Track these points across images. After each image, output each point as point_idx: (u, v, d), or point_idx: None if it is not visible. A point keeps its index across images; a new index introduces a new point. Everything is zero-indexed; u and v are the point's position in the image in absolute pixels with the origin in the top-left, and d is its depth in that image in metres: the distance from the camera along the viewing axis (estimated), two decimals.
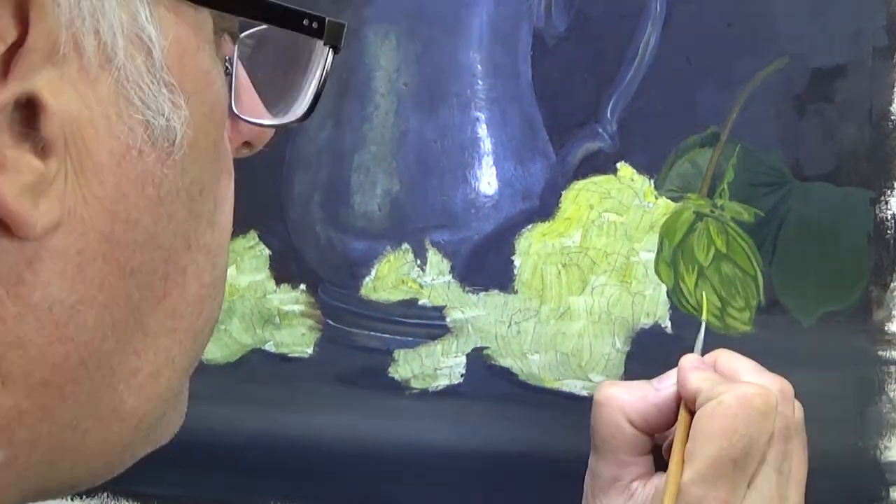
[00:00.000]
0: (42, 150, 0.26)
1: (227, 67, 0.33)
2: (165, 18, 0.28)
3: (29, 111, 0.25)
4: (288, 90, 0.36)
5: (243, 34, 0.34)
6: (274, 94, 0.36)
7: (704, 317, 0.54)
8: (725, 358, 0.49)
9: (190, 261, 0.31)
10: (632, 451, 0.47)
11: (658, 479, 0.47)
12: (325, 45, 0.35)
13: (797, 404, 0.47)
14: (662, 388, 0.48)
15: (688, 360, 0.48)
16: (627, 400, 0.48)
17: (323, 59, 0.35)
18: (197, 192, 0.31)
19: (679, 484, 0.44)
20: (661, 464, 0.48)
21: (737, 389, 0.44)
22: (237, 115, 0.34)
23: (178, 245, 0.31)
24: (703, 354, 0.50)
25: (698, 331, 0.52)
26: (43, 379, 0.27)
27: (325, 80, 0.35)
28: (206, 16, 0.30)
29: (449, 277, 0.59)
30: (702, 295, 0.55)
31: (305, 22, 0.33)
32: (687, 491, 0.43)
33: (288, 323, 0.61)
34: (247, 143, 0.37)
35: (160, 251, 0.30)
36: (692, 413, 0.46)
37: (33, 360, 0.27)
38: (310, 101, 0.36)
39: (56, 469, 0.30)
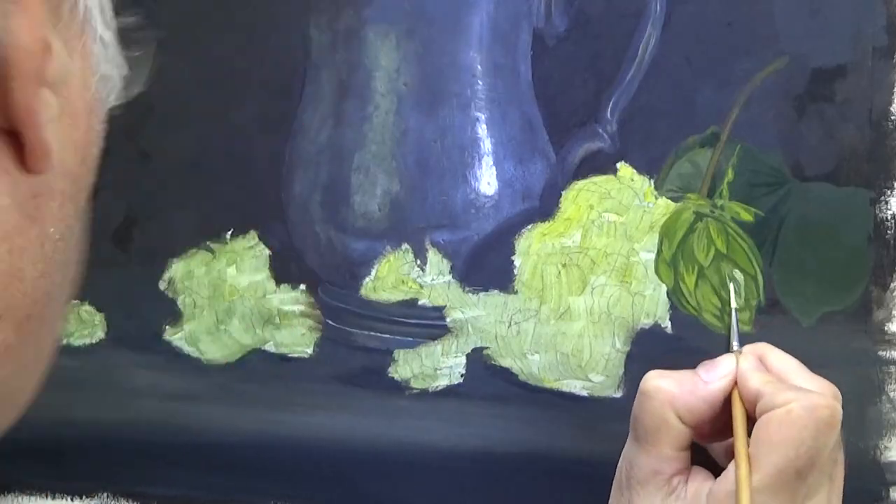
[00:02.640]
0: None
1: None
2: None
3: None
4: None
5: None
6: None
7: (734, 304, 0.53)
8: (774, 357, 0.48)
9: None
10: (675, 445, 0.47)
11: (700, 477, 0.46)
12: None
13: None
14: (712, 380, 0.47)
15: (747, 359, 0.47)
16: (676, 393, 0.47)
17: None
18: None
19: (750, 481, 0.43)
20: (696, 458, 0.48)
21: (805, 399, 0.43)
22: None
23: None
24: (740, 344, 0.49)
25: (731, 321, 0.51)
26: (27, 314, 0.29)
27: None
28: None
29: (449, 277, 0.59)
30: (728, 283, 0.55)
31: None
32: (751, 500, 0.43)
33: (288, 323, 0.61)
34: None
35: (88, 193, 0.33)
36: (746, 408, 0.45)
37: (26, 295, 0.28)
38: None
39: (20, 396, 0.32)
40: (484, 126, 0.58)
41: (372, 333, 0.60)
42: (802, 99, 0.55)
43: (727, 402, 0.47)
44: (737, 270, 0.56)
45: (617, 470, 0.49)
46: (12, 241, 0.27)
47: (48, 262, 0.29)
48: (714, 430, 0.47)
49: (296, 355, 0.61)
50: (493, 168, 0.58)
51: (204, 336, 0.62)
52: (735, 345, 0.50)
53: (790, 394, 0.44)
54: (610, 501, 0.49)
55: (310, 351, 0.61)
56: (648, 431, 0.47)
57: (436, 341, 0.59)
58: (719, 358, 0.48)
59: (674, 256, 0.56)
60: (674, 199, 0.56)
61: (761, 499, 0.43)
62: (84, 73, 0.30)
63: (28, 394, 0.32)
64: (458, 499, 0.59)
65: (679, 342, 0.57)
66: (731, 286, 0.54)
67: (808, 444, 0.43)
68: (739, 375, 0.47)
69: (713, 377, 0.47)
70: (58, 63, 0.28)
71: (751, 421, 0.46)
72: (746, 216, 0.56)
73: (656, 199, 0.57)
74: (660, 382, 0.47)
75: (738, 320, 0.51)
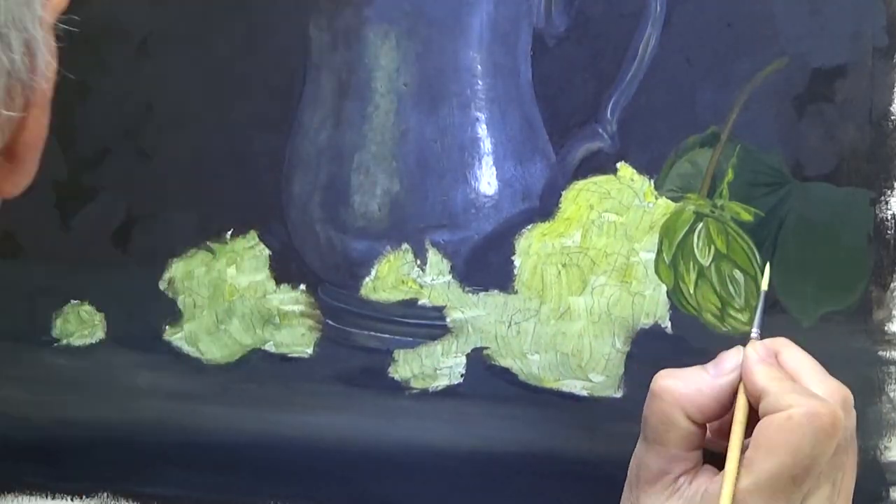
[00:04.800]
0: None
1: None
2: None
3: None
4: None
5: None
6: None
7: (764, 287, 0.50)
8: (789, 354, 0.47)
9: None
10: (684, 446, 0.46)
11: (704, 477, 0.46)
12: None
13: (853, 412, 0.46)
14: (719, 375, 0.46)
15: (754, 352, 0.46)
16: (684, 393, 0.46)
17: None
18: None
19: (735, 483, 0.43)
20: (709, 456, 0.47)
21: (806, 405, 0.43)
22: None
23: None
24: (760, 331, 0.48)
25: (758, 303, 0.49)
26: None
27: None
28: None
29: (449, 277, 0.59)
30: (765, 266, 0.52)
31: None
32: (742, 500, 0.43)
33: (288, 323, 0.61)
34: None
35: None
36: (751, 403, 0.45)
37: None
38: None
39: None
40: (484, 126, 0.58)
41: (372, 333, 0.60)
42: (802, 99, 0.55)
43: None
44: (737, 270, 0.56)
45: (628, 469, 0.49)
46: None
47: None
48: (728, 426, 0.47)
49: (296, 355, 0.61)
50: (493, 168, 0.58)
51: (204, 336, 0.62)
52: (754, 332, 0.48)
53: (794, 397, 0.43)
54: (621, 501, 0.49)
55: (310, 351, 0.61)
56: (657, 432, 0.46)
57: (436, 341, 0.59)
58: (729, 350, 0.47)
59: (674, 256, 0.56)
60: (674, 199, 0.56)
61: (753, 501, 0.43)
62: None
63: None
64: (458, 499, 0.59)
65: (679, 342, 0.57)
66: (767, 267, 0.51)
67: (805, 452, 0.42)
68: (745, 369, 0.46)
69: (720, 371, 0.46)
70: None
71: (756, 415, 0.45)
72: (746, 216, 0.56)
73: (656, 199, 0.57)
74: (668, 382, 0.46)
75: (764, 305, 0.49)
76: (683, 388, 0.46)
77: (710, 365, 0.47)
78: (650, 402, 0.47)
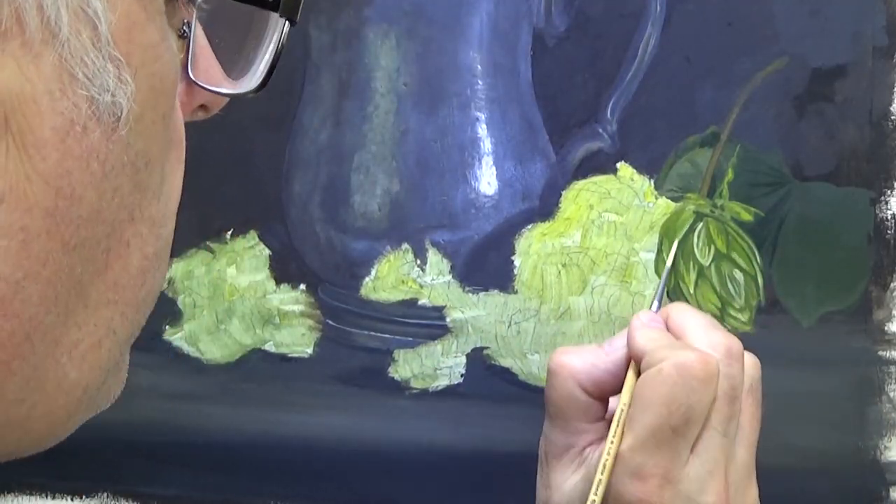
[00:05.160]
0: None
1: (184, 31, 0.32)
2: None
3: None
4: (245, 59, 0.36)
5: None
6: (231, 60, 0.36)
7: (670, 263, 0.53)
8: (676, 313, 0.48)
9: (133, 233, 0.31)
10: (585, 418, 0.47)
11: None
12: (280, 16, 0.34)
13: (751, 360, 0.46)
14: (612, 350, 0.47)
15: (638, 318, 0.47)
16: (579, 367, 0.47)
17: (278, 31, 0.35)
18: (143, 165, 0.30)
19: (618, 448, 0.44)
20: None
21: (676, 357, 0.44)
22: (193, 81, 0.34)
23: (122, 218, 0.30)
24: (659, 305, 0.49)
25: (661, 280, 0.51)
26: None
27: (279, 52, 0.35)
28: None
29: (449, 277, 0.59)
30: (672, 247, 0.55)
31: None
32: (628, 459, 0.43)
33: (288, 323, 0.61)
34: (203, 107, 0.36)
35: (104, 225, 0.30)
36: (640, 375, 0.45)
37: None
38: (263, 73, 0.35)
39: (1, 441, 0.30)
40: (484, 126, 0.58)
41: (372, 333, 0.60)
42: (802, 99, 0.55)
43: None
44: (737, 270, 0.56)
45: (538, 451, 0.49)
46: None
47: (8, 303, 0.27)
48: None
49: (296, 355, 0.61)
50: (493, 168, 0.58)
51: (204, 336, 0.62)
52: (654, 306, 0.50)
53: (666, 352, 0.44)
54: (537, 483, 0.49)
55: (310, 351, 0.61)
56: (558, 407, 0.48)
57: (436, 341, 0.59)
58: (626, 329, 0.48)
59: (674, 256, 0.56)
60: (674, 199, 0.56)
61: (639, 459, 0.43)
62: (51, 95, 0.27)
63: (47, 418, 0.31)
64: (459, 498, 0.59)
65: None
66: (675, 245, 0.54)
67: (679, 402, 0.43)
68: (628, 335, 0.47)
69: (613, 347, 0.48)
70: None
71: None
72: (746, 216, 0.56)
73: (656, 199, 0.57)
74: (563, 359, 0.48)
75: (665, 283, 0.51)
76: (578, 362, 0.47)
77: (605, 342, 0.48)
78: (549, 378, 0.48)
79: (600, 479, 0.43)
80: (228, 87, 0.35)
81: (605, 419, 0.48)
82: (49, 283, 0.28)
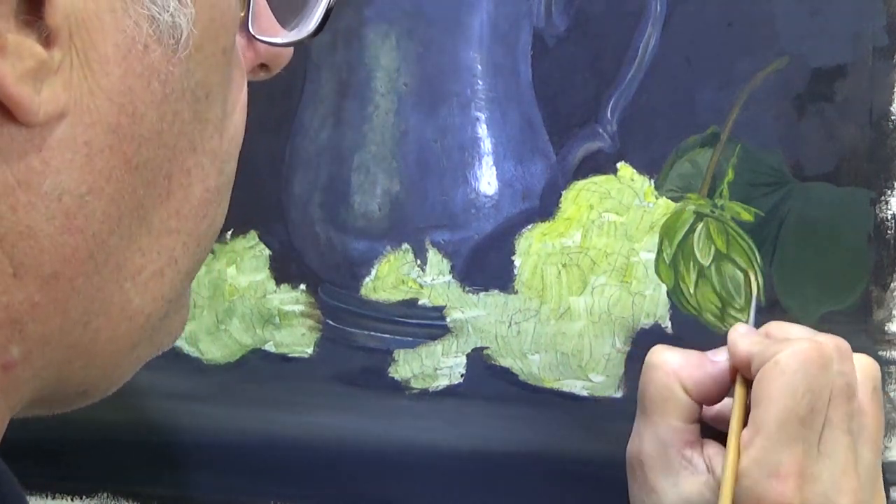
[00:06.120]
0: (46, 39, 0.26)
1: None
2: None
3: (34, 0, 0.26)
4: (301, 6, 0.37)
5: None
6: (288, 10, 0.37)
7: (755, 292, 0.53)
8: (777, 326, 0.48)
9: (195, 163, 0.32)
10: (681, 417, 0.46)
11: (713, 449, 0.46)
12: None
13: (868, 361, 0.46)
14: (715, 355, 0.47)
15: (736, 329, 0.47)
16: (682, 365, 0.47)
17: None
18: (203, 95, 0.31)
19: (737, 464, 0.43)
20: (706, 432, 0.47)
21: (790, 347, 0.43)
22: (253, 36, 0.35)
23: (183, 145, 0.31)
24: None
25: (750, 303, 0.52)
26: (54, 271, 0.28)
27: None
28: None
29: (449, 277, 0.59)
30: (749, 276, 0.54)
31: None
32: (763, 459, 0.42)
33: (288, 323, 0.61)
34: (264, 66, 0.37)
35: (165, 149, 0.30)
36: (748, 386, 0.45)
37: (44, 251, 0.27)
38: (320, 17, 0.36)
39: (69, 368, 0.30)
40: (484, 126, 0.58)
41: (372, 333, 0.60)
42: (802, 99, 0.55)
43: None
44: (737, 270, 0.56)
45: (626, 456, 0.48)
46: (13, 196, 0.26)
47: (72, 217, 0.28)
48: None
49: (296, 355, 0.61)
50: (493, 168, 0.58)
51: (204, 336, 0.62)
52: (751, 319, 0.50)
53: (776, 346, 0.44)
54: (629, 493, 0.49)
55: (310, 351, 0.61)
56: (655, 402, 0.47)
57: (436, 341, 0.59)
58: None
59: (674, 256, 0.56)
60: (674, 199, 0.56)
61: (774, 456, 0.42)
62: (113, 12, 0.28)
63: (111, 345, 0.31)
64: (458, 499, 0.59)
65: (679, 342, 0.56)
66: (758, 272, 0.54)
67: (801, 390, 0.42)
68: (730, 344, 0.46)
69: (717, 354, 0.47)
70: (59, 9, 0.26)
71: None
72: (746, 216, 0.56)
73: (656, 199, 0.57)
74: (665, 355, 0.47)
75: (756, 300, 0.51)
76: (681, 360, 0.47)
77: (709, 352, 0.48)
78: (647, 373, 0.47)
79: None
80: (285, 38, 0.36)
81: (702, 420, 0.47)
82: (112, 200, 0.29)
